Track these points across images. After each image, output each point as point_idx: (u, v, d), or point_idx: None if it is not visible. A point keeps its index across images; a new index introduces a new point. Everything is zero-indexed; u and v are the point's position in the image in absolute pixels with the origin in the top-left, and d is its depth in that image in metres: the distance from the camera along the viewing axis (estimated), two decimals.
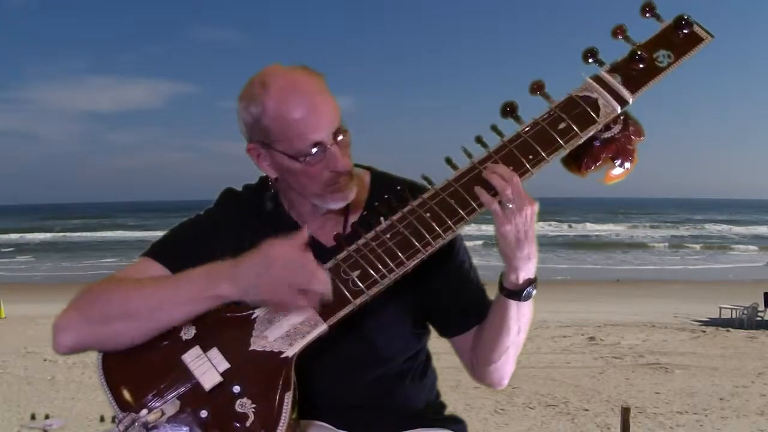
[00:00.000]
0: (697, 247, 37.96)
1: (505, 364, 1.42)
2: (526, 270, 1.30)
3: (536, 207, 1.26)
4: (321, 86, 1.31)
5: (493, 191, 1.25)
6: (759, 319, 14.76)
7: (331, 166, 1.31)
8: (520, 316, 1.35)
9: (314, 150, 1.28)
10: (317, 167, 1.30)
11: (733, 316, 14.57)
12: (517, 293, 1.32)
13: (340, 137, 1.31)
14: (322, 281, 1.21)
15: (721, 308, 14.89)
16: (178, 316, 1.24)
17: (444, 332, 1.48)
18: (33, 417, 6.32)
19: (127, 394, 1.22)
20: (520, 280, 1.31)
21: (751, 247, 37.10)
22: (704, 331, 12.56)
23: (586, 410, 6.89)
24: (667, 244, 39.52)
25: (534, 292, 1.33)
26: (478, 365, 1.44)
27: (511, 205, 1.24)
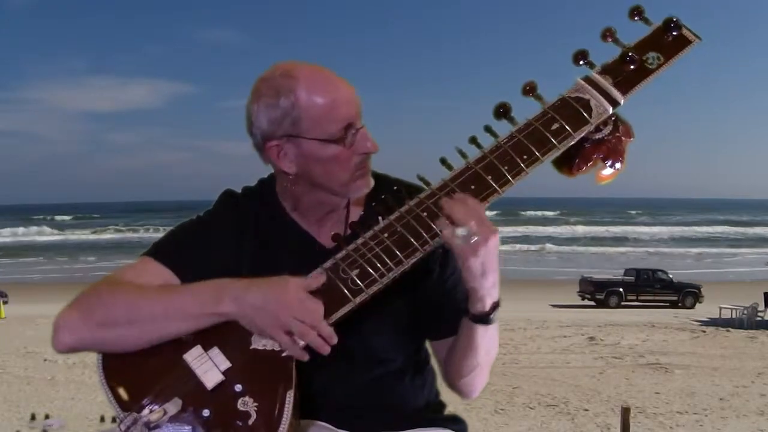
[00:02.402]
0: (698, 247, 37.96)
1: (475, 379, 1.43)
2: (492, 296, 1.31)
3: (498, 235, 1.25)
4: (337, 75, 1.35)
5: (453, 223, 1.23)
6: (759, 319, 14.77)
7: (363, 147, 1.32)
8: (488, 338, 1.36)
9: (347, 132, 1.30)
10: (349, 151, 1.31)
11: (733, 316, 14.57)
12: (483, 318, 1.32)
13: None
14: (322, 336, 1.21)
15: (721, 308, 14.89)
16: (180, 329, 1.25)
17: (428, 334, 1.48)
18: (33, 417, 6.33)
19: (128, 394, 1.22)
20: (487, 307, 1.31)
21: (752, 248, 37.09)
22: (704, 331, 12.58)
23: (586, 410, 6.91)
24: (667, 244, 39.50)
25: (499, 312, 1.34)
26: (450, 376, 1.45)
27: (475, 238, 1.22)
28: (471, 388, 1.45)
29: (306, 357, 1.22)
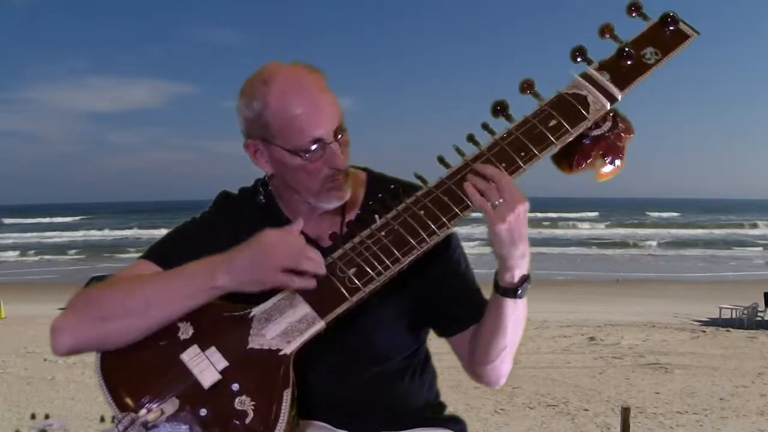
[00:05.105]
0: (698, 247, 37.98)
1: (503, 363, 1.42)
2: (521, 267, 1.30)
3: (527, 205, 1.26)
4: (322, 83, 1.33)
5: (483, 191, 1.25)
6: (759, 319, 14.74)
7: (330, 163, 1.32)
8: (517, 314, 1.35)
9: (314, 146, 1.30)
10: (317, 164, 1.31)
11: (733, 316, 14.54)
12: (512, 291, 1.32)
13: (340, 135, 1.32)
14: (312, 260, 1.23)
15: (721, 308, 14.87)
16: (177, 311, 1.25)
17: (442, 332, 1.48)
18: (33, 417, 6.32)
19: (125, 395, 1.23)
20: (516, 279, 1.31)
21: (752, 248, 37.10)
22: (704, 331, 12.55)
23: (586, 410, 6.89)
24: (667, 244, 39.51)
25: (528, 287, 1.33)
26: (476, 364, 1.44)
27: (499, 202, 1.24)
28: (498, 373, 1.44)
29: (314, 283, 1.24)
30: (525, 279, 1.31)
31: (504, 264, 1.29)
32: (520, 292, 1.31)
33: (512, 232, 1.25)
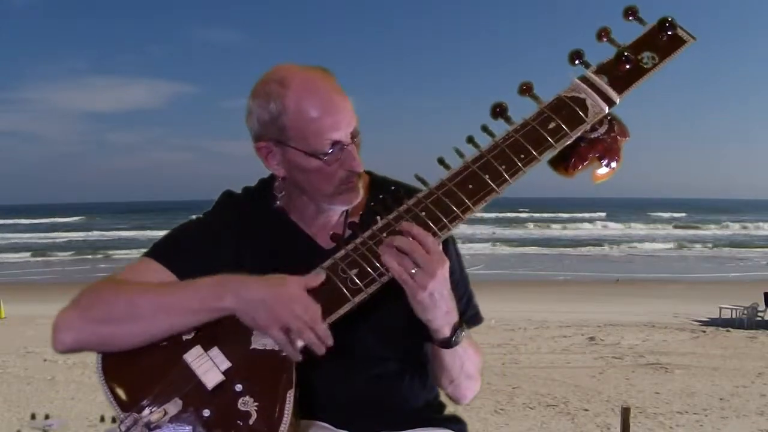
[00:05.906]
0: (698, 247, 37.99)
1: (459, 388, 1.45)
2: (449, 323, 1.31)
3: (447, 264, 1.24)
4: (337, 86, 1.34)
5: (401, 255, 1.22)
6: (759, 319, 14.73)
7: (347, 165, 1.33)
8: (458, 357, 1.37)
9: (332, 149, 1.31)
10: (333, 166, 1.32)
11: (733, 316, 14.53)
12: (446, 343, 1.34)
13: (356, 138, 1.34)
14: (319, 338, 1.22)
15: (721, 308, 14.85)
16: (181, 324, 1.26)
17: (424, 336, 1.49)
18: (33, 417, 6.33)
19: (127, 395, 1.23)
20: (447, 334, 1.32)
21: (753, 248, 37.09)
22: (704, 331, 12.55)
23: (586, 410, 6.90)
24: (667, 244, 39.50)
25: (463, 333, 1.34)
26: (437, 383, 1.47)
27: (415, 270, 1.22)
28: (459, 396, 1.47)
29: (300, 357, 1.23)
30: (457, 328, 1.33)
31: (431, 326, 1.30)
32: (454, 340, 1.33)
33: (434, 296, 1.24)
